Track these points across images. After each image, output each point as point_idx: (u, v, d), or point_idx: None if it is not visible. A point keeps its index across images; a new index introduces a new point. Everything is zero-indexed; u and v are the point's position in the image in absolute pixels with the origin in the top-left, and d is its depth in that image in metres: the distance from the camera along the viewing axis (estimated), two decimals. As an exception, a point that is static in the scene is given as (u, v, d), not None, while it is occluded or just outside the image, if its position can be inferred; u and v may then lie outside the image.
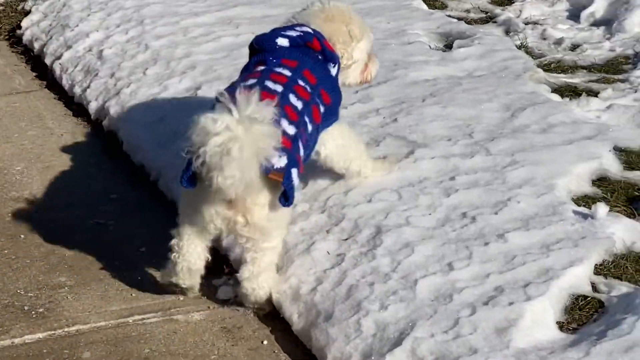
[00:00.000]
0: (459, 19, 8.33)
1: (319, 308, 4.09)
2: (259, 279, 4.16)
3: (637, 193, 4.77)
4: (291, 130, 4.02)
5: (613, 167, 5.01)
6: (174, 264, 4.20)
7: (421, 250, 4.27)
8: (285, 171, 3.89)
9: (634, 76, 6.54)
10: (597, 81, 6.52)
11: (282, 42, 4.37)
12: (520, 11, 8.65)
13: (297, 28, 4.46)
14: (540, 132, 5.35)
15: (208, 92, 6.18)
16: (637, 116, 5.64)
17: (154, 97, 6.32)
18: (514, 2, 9.00)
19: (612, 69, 6.85)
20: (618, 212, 4.50)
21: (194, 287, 4.34)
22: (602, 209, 4.34)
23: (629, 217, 4.48)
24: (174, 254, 4.18)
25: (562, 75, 6.73)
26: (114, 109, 6.31)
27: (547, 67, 6.88)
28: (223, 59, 6.78)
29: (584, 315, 3.85)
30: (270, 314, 4.31)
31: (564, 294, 3.91)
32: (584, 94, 6.12)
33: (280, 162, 3.86)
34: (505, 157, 5.03)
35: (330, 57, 4.44)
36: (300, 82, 4.23)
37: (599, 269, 4.08)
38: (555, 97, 6.06)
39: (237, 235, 4.11)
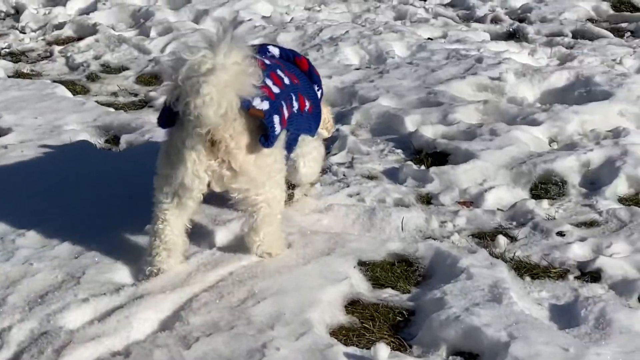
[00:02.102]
0: (108, 104, 7.77)
1: None
2: (260, 234, 4.65)
3: (399, 317, 4.44)
4: (275, 89, 4.52)
5: (362, 286, 4.67)
6: (152, 250, 4.58)
7: None
8: (267, 112, 4.32)
9: (334, 164, 6.33)
10: (297, 174, 6.22)
11: (274, 50, 5.04)
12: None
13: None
14: (265, 250, 4.91)
15: None
16: (362, 217, 5.36)
17: None
18: (162, 81, 8.59)
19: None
20: (387, 344, 4.12)
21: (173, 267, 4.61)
22: (383, 350, 3.92)
23: (403, 352, 4.14)
24: (153, 239, 4.58)
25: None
26: None
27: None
28: None
29: None
30: None
31: None
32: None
33: (262, 105, 4.30)
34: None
35: (317, 80, 5.15)
36: (286, 70, 4.82)
37: None
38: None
39: (229, 191, 4.45)
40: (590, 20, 11.52)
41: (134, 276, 4.69)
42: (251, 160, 4.34)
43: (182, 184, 4.35)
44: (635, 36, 10.70)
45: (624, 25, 11.22)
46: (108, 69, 9.08)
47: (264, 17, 10.72)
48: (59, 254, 4.87)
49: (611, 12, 11.95)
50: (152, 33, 10.19)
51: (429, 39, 9.95)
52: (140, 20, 10.77)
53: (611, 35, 10.50)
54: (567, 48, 9.49)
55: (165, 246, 4.55)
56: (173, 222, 4.53)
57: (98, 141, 6.66)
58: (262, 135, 4.30)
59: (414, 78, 8.09)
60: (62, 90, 7.82)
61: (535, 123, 6.76)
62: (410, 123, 6.93)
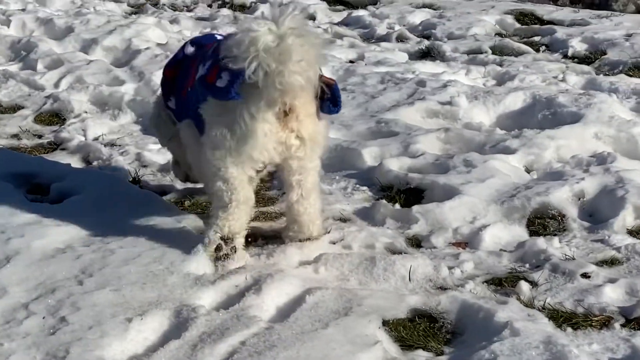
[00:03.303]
0: (13, 148, 7.22)
1: None
2: (310, 199, 4.93)
3: (444, 384, 4.13)
4: None
5: (392, 349, 4.34)
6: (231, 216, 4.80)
7: None
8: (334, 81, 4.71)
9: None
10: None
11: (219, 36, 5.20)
12: (84, 130, 7.75)
13: None
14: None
15: None
16: (361, 267, 4.91)
17: None
18: (65, 119, 8.08)
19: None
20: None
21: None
22: None
23: None
24: (230, 205, 4.78)
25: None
26: None
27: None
28: None
29: None
30: None
31: None
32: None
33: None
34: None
35: None
36: None
37: None
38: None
39: (288, 160, 4.74)
40: (499, 35, 11.52)
41: (125, 351, 4.24)
42: (318, 128, 4.66)
43: (249, 156, 4.58)
44: (551, 50, 10.72)
45: (536, 39, 11.25)
46: (0, 108, 8.45)
47: (159, 45, 10.25)
48: (30, 330, 4.37)
49: (518, 25, 12.00)
50: (40, 66, 9.59)
51: (351, 61, 9.70)
52: (22, 52, 10.15)
53: (532, 50, 10.49)
54: (499, 66, 9.38)
55: (244, 210, 4.80)
56: (244, 187, 4.75)
57: (23, 193, 6.09)
58: (329, 101, 4.67)
59: (354, 106, 7.80)
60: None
61: (508, 151, 6.54)
62: (369, 156, 6.63)
